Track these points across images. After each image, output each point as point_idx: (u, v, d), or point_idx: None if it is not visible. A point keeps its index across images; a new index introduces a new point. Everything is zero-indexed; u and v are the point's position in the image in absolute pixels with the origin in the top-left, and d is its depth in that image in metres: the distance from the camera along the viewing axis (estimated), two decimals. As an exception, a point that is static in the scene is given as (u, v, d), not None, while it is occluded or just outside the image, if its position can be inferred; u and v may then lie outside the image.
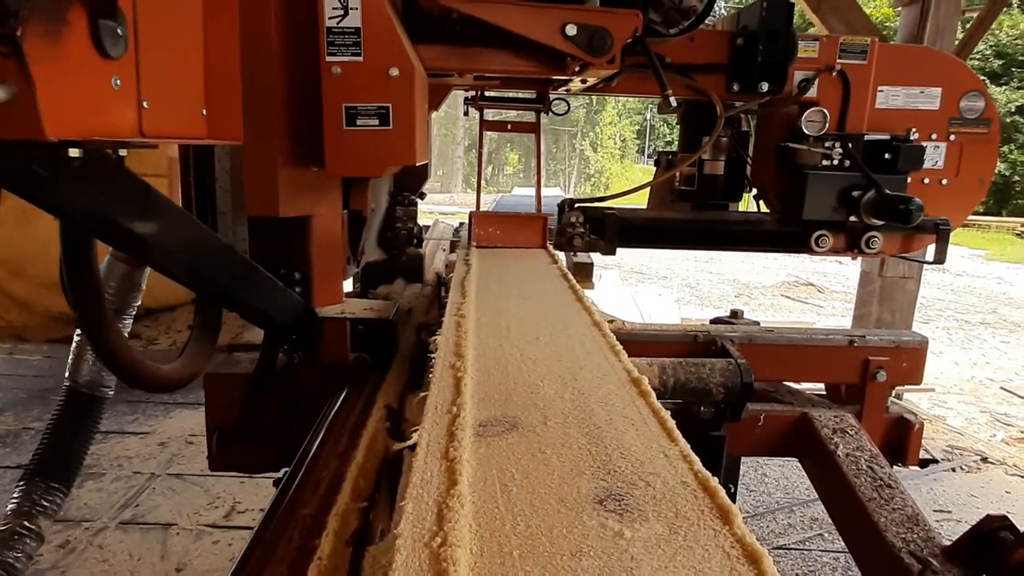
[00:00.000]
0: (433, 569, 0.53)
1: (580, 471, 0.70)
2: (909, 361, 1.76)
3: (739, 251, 2.34)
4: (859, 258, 2.11)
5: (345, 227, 1.62)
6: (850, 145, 1.98)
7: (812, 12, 4.13)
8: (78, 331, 1.18)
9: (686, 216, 2.28)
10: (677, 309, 8.83)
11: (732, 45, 1.94)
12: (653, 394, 0.89)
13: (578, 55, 1.50)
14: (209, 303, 1.27)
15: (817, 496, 1.68)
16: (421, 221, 2.45)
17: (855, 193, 1.98)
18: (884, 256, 2.18)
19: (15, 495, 1.13)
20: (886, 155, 1.98)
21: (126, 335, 1.17)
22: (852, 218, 2.01)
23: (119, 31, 0.68)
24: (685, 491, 0.66)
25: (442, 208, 20.24)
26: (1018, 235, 19.94)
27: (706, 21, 1.83)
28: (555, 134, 44.08)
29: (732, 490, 1.90)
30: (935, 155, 2.05)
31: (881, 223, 2.00)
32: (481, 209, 2.60)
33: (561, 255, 2.18)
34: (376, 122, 1.29)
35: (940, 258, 2.07)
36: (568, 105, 2.58)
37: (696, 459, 0.72)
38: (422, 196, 2.53)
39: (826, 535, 3.07)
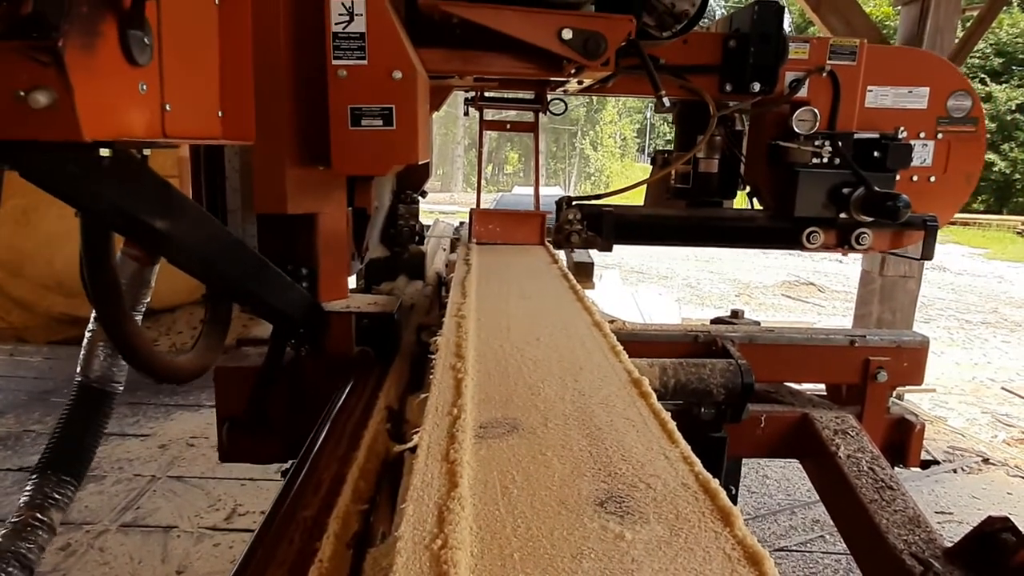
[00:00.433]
0: (434, 571, 0.53)
1: (581, 473, 0.70)
2: (910, 361, 1.76)
3: (732, 247, 2.42)
4: (850, 254, 2.15)
5: (350, 224, 1.67)
6: (840, 143, 2.03)
7: (812, 11, 4.13)
8: (89, 327, 1.22)
9: (681, 213, 2.34)
10: (678, 309, 8.83)
11: (725, 47, 2.00)
12: (654, 395, 0.89)
13: (574, 58, 1.56)
14: (219, 298, 1.31)
15: (818, 498, 1.68)
16: (422, 220, 2.49)
17: (845, 190, 2.04)
18: (874, 252, 2.25)
19: (28, 488, 1.15)
20: (875, 153, 2.04)
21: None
22: (842, 215, 2.08)
23: (145, 40, 0.73)
24: (686, 493, 0.66)
25: (442, 207, 20.26)
26: (1019, 234, 19.93)
27: (700, 23, 1.89)
28: (555, 133, 44.10)
29: (733, 492, 1.90)
30: (923, 153, 2.11)
31: (870, 219, 2.06)
32: (481, 208, 2.62)
33: (562, 254, 2.20)
34: (380, 122, 1.35)
35: (928, 254, 2.13)
36: (565, 105, 2.63)
37: (697, 461, 0.71)
38: (424, 194, 2.57)
39: (827, 537, 3.06)
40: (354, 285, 2.13)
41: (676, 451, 0.74)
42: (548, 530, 0.59)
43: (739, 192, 2.43)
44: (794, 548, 3.00)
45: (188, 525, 2.93)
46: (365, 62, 1.33)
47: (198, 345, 1.27)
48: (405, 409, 1.28)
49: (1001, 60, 24.77)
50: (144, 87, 0.76)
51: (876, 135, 2.06)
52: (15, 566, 1.07)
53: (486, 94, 2.61)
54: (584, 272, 2.55)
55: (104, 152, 0.75)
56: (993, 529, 1.12)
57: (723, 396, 1.52)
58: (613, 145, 42.48)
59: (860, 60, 2.03)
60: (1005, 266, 14.49)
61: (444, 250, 2.84)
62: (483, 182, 3.08)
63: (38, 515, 1.12)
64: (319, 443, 1.09)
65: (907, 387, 4.53)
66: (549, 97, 2.47)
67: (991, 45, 24.42)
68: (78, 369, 1.22)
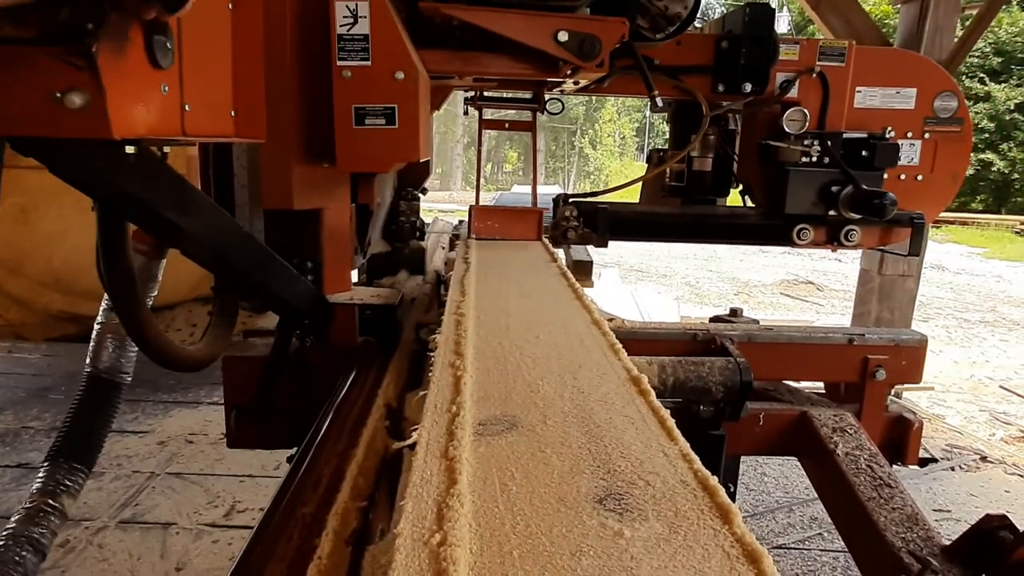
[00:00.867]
0: (433, 568, 0.53)
1: (580, 470, 0.70)
2: (908, 360, 1.76)
3: (725, 244, 2.52)
4: (849, 253, 2.20)
5: (353, 220, 1.72)
6: (829, 143, 2.08)
7: (812, 10, 4.12)
8: (98, 320, 1.26)
9: (674, 210, 2.41)
10: (676, 307, 8.83)
11: (717, 48, 2.05)
12: (653, 393, 0.89)
13: (569, 59, 1.61)
14: (227, 291, 1.38)
15: (816, 495, 1.68)
16: (422, 217, 2.54)
17: (834, 188, 2.10)
18: (863, 248, 2.34)
19: (40, 475, 1.19)
20: (863, 152, 2.10)
21: None
22: (831, 212, 2.13)
23: (168, 45, 0.78)
24: (685, 490, 0.66)
25: (442, 206, 20.23)
26: (1017, 233, 19.94)
27: (695, 25, 1.96)
28: (554, 132, 44.07)
29: (732, 489, 1.90)
30: (911, 152, 2.16)
31: (859, 217, 2.11)
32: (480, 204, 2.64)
33: (561, 253, 2.21)
34: (383, 121, 1.40)
35: (915, 250, 2.19)
36: (563, 105, 2.68)
37: (696, 458, 0.71)
38: (424, 191, 2.62)
39: (826, 534, 3.07)
40: (356, 280, 2.15)
41: (675, 449, 0.74)
42: (547, 527, 0.59)
43: (732, 190, 2.48)
44: (792, 546, 3.01)
45: (187, 522, 2.93)
46: (369, 63, 1.38)
47: (207, 335, 1.34)
48: (404, 406, 1.28)
49: (1000, 59, 24.76)
50: (166, 89, 0.81)
51: (864, 135, 2.12)
52: (28, 550, 1.12)
53: (485, 94, 2.65)
54: (583, 270, 2.56)
55: (129, 149, 0.81)
56: (991, 527, 1.13)
57: (722, 394, 1.52)
58: (612, 144, 42.48)
59: (849, 61, 2.09)
60: (1003, 265, 14.51)
61: (443, 248, 2.84)
62: (482, 180, 3.10)
63: (50, 501, 1.17)
64: (323, 432, 1.11)
65: (905, 385, 4.54)
66: (547, 97, 2.51)
67: (990, 44, 24.40)
68: (87, 360, 1.26)
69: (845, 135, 2.11)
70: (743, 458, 2.35)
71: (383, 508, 0.96)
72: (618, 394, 0.90)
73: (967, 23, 4.25)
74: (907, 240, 2.19)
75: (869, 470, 1.46)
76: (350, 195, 1.68)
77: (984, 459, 4.02)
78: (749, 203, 2.41)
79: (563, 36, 1.59)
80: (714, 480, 0.66)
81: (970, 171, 24.56)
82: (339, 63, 1.38)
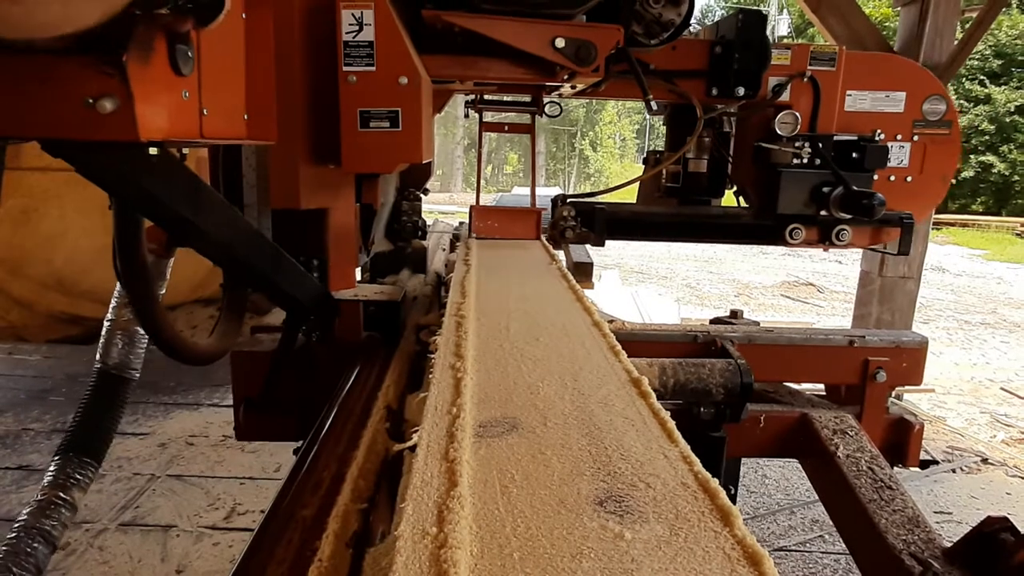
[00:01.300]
0: (433, 570, 0.53)
1: (580, 472, 0.70)
2: (909, 361, 1.76)
3: (719, 243, 2.53)
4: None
5: (357, 219, 1.78)
6: (820, 145, 2.14)
7: (811, 12, 4.13)
8: (108, 317, 1.30)
9: (670, 210, 2.48)
10: (677, 309, 8.83)
11: (711, 53, 2.11)
12: (653, 395, 0.89)
13: (566, 65, 1.68)
14: (236, 288, 1.44)
15: (817, 497, 1.68)
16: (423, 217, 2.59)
17: (825, 189, 2.15)
18: (854, 248, 2.36)
19: (51, 468, 1.22)
20: (854, 154, 2.14)
21: None
22: (823, 212, 2.17)
23: (189, 54, 0.84)
24: (685, 492, 0.66)
25: (442, 208, 20.24)
26: (1018, 235, 19.93)
27: (690, 30, 2.02)
28: (555, 134, 44.10)
29: (732, 491, 1.90)
30: (900, 154, 2.22)
31: (849, 217, 2.17)
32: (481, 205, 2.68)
33: (561, 254, 2.22)
34: (387, 124, 1.46)
35: (904, 250, 2.25)
36: (561, 108, 2.73)
37: (696, 460, 0.71)
38: (426, 192, 2.68)
39: (827, 537, 3.07)
40: (360, 278, 2.19)
41: (675, 450, 0.74)
42: (547, 529, 0.59)
43: (727, 191, 2.53)
44: (793, 548, 3.00)
45: (187, 524, 2.93)
46: (373, 69, 1.44)
47: (216, 331, 1.40)
48: (404, 408, 1.28)
49: (1000, 62, 24.77)
50: (186, 94, 0.87)
51: (855, 137, 2.17)
52: (40, 542, 1.16)
53: (485, 97, 2.72)
54: (583, 272, 2.56)
55: (152, 151, 0.86)
56: (992, 529, 1.12)
57: (722, 396, 1.52)
58: (612, 146, 42.51)
59: (839, 66, 2.15)
60: (1004, 267, 14.50)
61: (443, 250, 2.84)
62: (483, 182, 3.12)
63: (60, 494, 1.20)
64: (323, 433, 1.12)
65: (906, 387, 4.53)
66: (545, 100, 2.56)
67: (990, 47, 24.42)
68: (97, 356, 1.29)
69: (836, 137, 2.17)
70: (744, 460, 2.35)
71: (383, 510, 0.96)
72: (619, 396, 0.90)
73: (967, 26, 4.25)
74: (896, 240, 2.25)
75: (870, 472, 1.46)
76: (355, 195, 1.74)
77: (985, 461, 4.02)
78: (743, 203, 2.46)
79: (560, 42, 1.65)
80: (715, 482, 0.66)
81: (970, 173, 24.70)
82: (345, 68, 1.44)
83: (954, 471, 3.87)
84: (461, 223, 3.17)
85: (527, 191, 2.85)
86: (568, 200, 2.37)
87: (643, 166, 2.76)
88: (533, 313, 1.32)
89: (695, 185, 2.46)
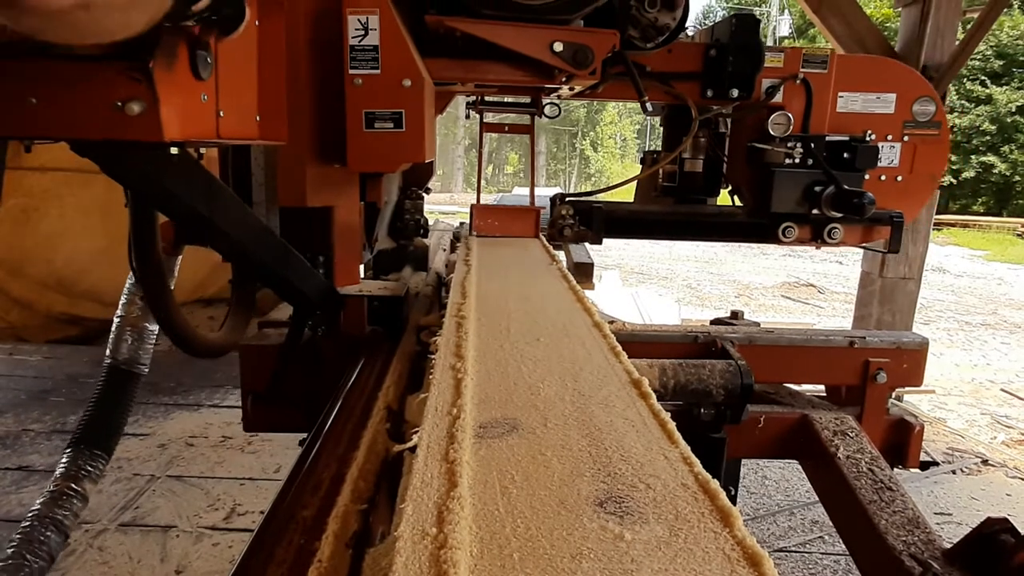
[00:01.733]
0: (433, 571, 0.53)
1: (580, 473, 0.69)
2: (909, 362, 1.76)
3: (713, 241, 2.58)
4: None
5: (362, 217, 1.83)
6: (812, 145, 2.20)
7: (812, 13, 4.12)
8: (117, 313, 1.35)
9: (666, 209, 2.55)
10: (678, 310, 8.83)
11: (706, 56, 2.17)
12: (654, 396, 0.89)
13: (564, 68, 1.74)
14: (244, 284, 1.51)
15: (817, 498, 1.68)
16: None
17: (817, 188, 2.21)
18: (845, 245, 2.39)
19: (63, 460, 1.26)
20: (845, 154, 2.19)
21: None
22: (815, 211, 2.22)
23: (208, 59, 0.89)
24: (685, 493, 0.65)
25: (443, 208, 20.23)
26: (1019, 236, 19.93)
27: (688, 33, 2.12)
28: (556, 134, 44.11)
29: (733, 492, 1.90)
30: (891, 154, 2.27)
31: (840, 215, 2.21)
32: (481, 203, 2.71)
33: (561, 255, 2.22)
34: (391, 125, 1.52)
35: (895, 248, 2.31)
36: (559, 109, 2.77)
37: (696, 461, 0.71)
38: (428, 191, 2.73)
39: (827, 538, 3.06)
40: (363, 275, 2.21)
41: (676, 451, 0.74)
42: (547, 530, 0.59)
43: (722, 190, 2.58)
44: (793, 549, 3.00)
45: (187, 525, 2.93)
46: (378, 71, 1.50)
47: (226, 325, 1.47)
48: (405, 409, 1.28)
49: (1002, 62, 24.78)
50: (205, 97, 0.93)
51: (846, 138, 2.22)
52: (52, 531, 1.20)
53: (486, 98, 2.77)
54: (584, 272, 2.57)
55: (174, 151, 0.92)
56: (992, 530, 1.12)
57: (723, 397, 1.52)
58: (613, 146, 42.53)
59: (831, 68, 2.20)
60: (1005, 268, 14.50)
61: (444, 250, 2.84)
62: (483, 182, 3.14)
63: (72, 485, 1.24)
64: (324, 432, 1.13)
65: (906, 388, 4.53)
66: (544, 101, 2.61)
67: (992, 47, 24.43)
68: (107, 352, 1.34)
69: (828, 138, 2.22)
70: (744, 461, 2.35)
71: (383, 511, 0.96)
72: (619, 397, 0.90)
73: (968, 26, 4.25)
74: (887, 238, 2.31)
75: (870, 473, 1.46)
76: (359, 194, 1.78)
77: (985, 462, 4.01)
78: (738, 202, 2.51)
79: (558, 46, 1.71)
80: (715, 483, 0.66)
81: (971, 174, 24.72)
82: (351, 71, 1.49)
83: (954, 472, 3.87)
84: (462, 223, 3.18)
85: (527, 191, 2.86)
86: (566, 199, 2.43)
87: (641, 166, 2.79)
88: (534, 314, 1.32)
89: (691, 184, 2.52)
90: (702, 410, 1.55)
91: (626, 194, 2.95)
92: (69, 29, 0.62)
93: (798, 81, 2.18)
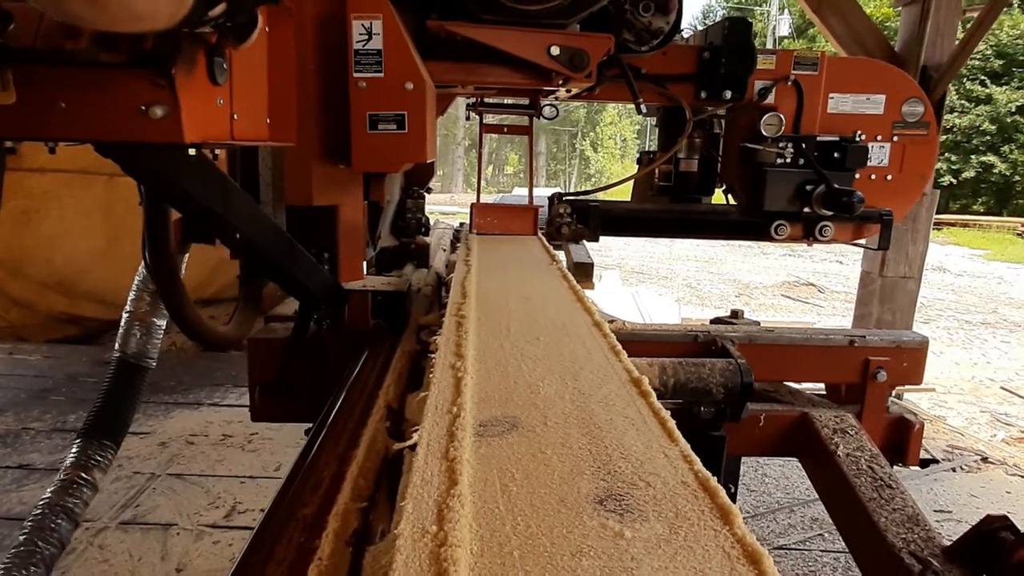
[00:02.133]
0: (433, 569, 0.53)
1: (580, 471, 0.70)
2: (909, 361, 1.76)
3: (707, 239, 2.66)
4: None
5: (365, 215, 1.87)
6: (803, 145, 2.25)
7: (812, 12, 4.12)
8: (126, 309, 1.39)
9: (661, 208, 2.61)
10: (678, 309, 8.83)
11: (700, 58, 2.22)
12: (653, 394, 0.89)
13: (561, 71, 1.80)
14: (252, 280, 1.57)
15: (817, 496, 1.68)
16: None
17: (808, 187, 2.26)
18: (836, 243, 2.47)
19: (73, 450, 1.30)
20: (835, 154, 2.24)
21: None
22: (806, 209, 2.27)
23: (224, 66, 0.95)
24: (685, 491, 0.66)
25: (442, 208, 20.22)
26: (1019, 235, 19.93)
27: (684, 36, 2.20)
28: (556, 134, 44.10)
29: (732, 490, 1.90)
30: (880, 154, 2.32)
31: (831, 213, 2.26)
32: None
33: (561, 254, 2.23)
34: (394, 127, 1.57)
35: (884, 245, 2.37)
36: (557, 110, 2.82)
37: (696, 459, 0.71)
38: (429, 190, 2.79)
39: (826, 535, 3.07)
40: (366, 272, 2.25)
41: (675, 449, 0.74)
42: (548, 528, 0.59)
43: (717, 189, 2.64)
44: (793, 546, 3.01)
45: (187, 523, 2.93)
46: (382, 75, 1.54)
47: (235, 319, 1.53)
48: (405, 407, 1.28)
49: (1001, 62, 24.77)
50: (221, 101, 0.98)
51: (836, 138, 2.27)
52: (63, 518, 1.24)
53: (485, 100, 2.83)
54: (584, 272, 2.57)
55: (192, 152, 0.96)
56: (992, 528, 1.12)
57: (723, 395, 1.52)
58: (613, 146, 42.51)
59: (822, 70, 2.25)
60: (1005, 267, 14.50)
61: (444, 250, 2.85)
62: (483, 183, 3.16)
63: (82, 474, 1.28)
64: (328, 423, 1.16)
65: (906, 387, 4.53)
66: (542, 103, 2.65)
67: (991, 47, 24.41)
68: (116, 346, 1.38)
69: (819, 138, 2.26)
70: (744, 459, 2.36)
71: (384, 509, 0.96)
72: (619, 395, 0.90)
73: (968, 25, 4.24)
74: (877, 235, 2.37)
75: (870, 471, 1.46)
76: (363, 193, 1.82)
77: (985, 460, 4.01)
78: (732, 201, 2.55)
79: (555, 50, 1.76)
80: (715, 481, 0.66)
81: (971, 173, 24.71)
82: (355, 75, 1.54)
83: (954, 470, 3.87)
84: (462, 224, 3.18)
85: (527, 192, 2.88)
86: (564, 198, 2.48)
87: (638, 166, 2.83)
88: (534, 313, 1.32)
89: (686, 184, 2.56)
90: (702, 408, 1.56)
91: (623, 193, 2.97)
92: (103, 12, 0.67)
93: (790, 83, 2.23)
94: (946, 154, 24.23)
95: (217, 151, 1.09)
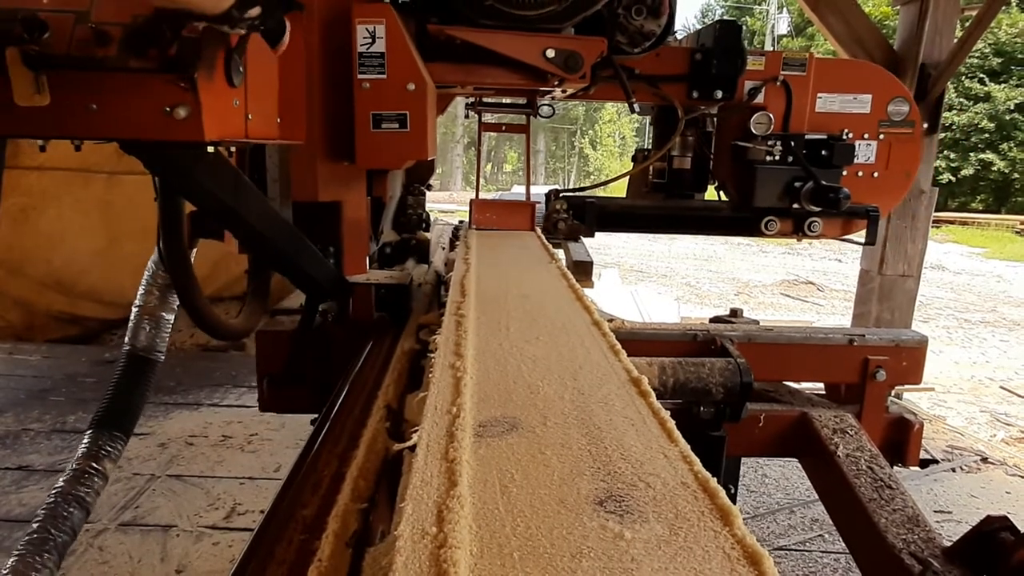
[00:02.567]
0: (433, 570, 0.53)
1: (580, 472, 0.70)
2: (909, 360, 1.76)
3: (700, 235, 2.73)
4: (802, 240, 2.47)
5: (368, 211, 1.92)
6: (792, 143, 2.31)
7: (811, 11, 4.12)
8: (136, 303, 1.43)
9: (655, 204, 2.68)
10: (677, 308, 8.84)
11: (692, 59, 2.29)
12: (653, 394, 0.89)
13: (556, 73, 1.88)
14: (260, 274, 1.63)
15: (817, 496, 1.68)
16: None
17: (797, 184, 2.32)
18: (825, 238, 2.56)
19: (84, 441, 1.34)
20: (823, 152, 2.31)
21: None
22: (795, 205, 2.34)
23: (240, 68, 1.01)
24: (685, 492, 0.66)
25: (442, 206, 20.22)
26: (1017, 233, 19.94)
27: (677, 38, 2.29)
28: (555, 132, 44.09)
29: (732, 491, 1.90)
30: (867, 152, 2.39)
31: (819, 209, 2.33)
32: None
33: (561, 253, 2.24)
34: (396, 126, 1.63)
35: (871, 240, 2.44)
36: (554, 110, 2.90)
37: (696, 460, 0.71)
38: (429, 187, 2.89)
39: (826, 536, 3.07)
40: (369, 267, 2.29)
41: (675, 450, 0.74)
42: (547, 529, 0.59)
43: (709, 186, 2.71)
44: (793, 547, 3.01)
45: (187, 524, 2.93)
46: (384, 76, 1.61)
47: (244, 312, 1.59)
48: (404, 408, 1.28)
49: (1000, 60, 24.77)
50: (237, 102, 1.04)
51: (824, 136, 2.34)
52: (75, 507, 1.27)
53: (484, 100, 2.91)
54: (583, 271, 2.57)
55: (210, 149, 1.01)
56: (992, 528, 1.12)
57: (722, 395, 1.52)
58: (612, 144, 42.49)
59: (810, 71, 2.32)
60: (1004, 265, 14.51)
61: (443, 248, 2.85)
62: (482, 181, 3.19)
63: (93, 464, 1.32)
64: (332, 416, 1.18)
65: (906, 386, 4.53)
66: (539, 103, 2.72)
67: (990, 45, 24.42)
68: (126, 339, 1.42)
69: (807, 136, 2.33)
70: (744, 459, 2.36)
71: (383, 510, 0.96)
72: (618, 395, 0.90)
73: (967, 24, 4.24)
74: (864, 231, 2.43)
75: (870, 471, 1.46)
76: (366, 189, 1.88)
77: (985, 460, 4.02)
78: (724, 198, 2.64)
79: (550, 53, 1.84)
80: (714, 481, 0.66)
81: (970, 171, 24.71)
82: (359, 76, 1.60)
83: (954, 470, 3.87)
84: (461, 222, 3.19)
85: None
86: (561, 195, 2.55)
87: (633, 163, 2.87)
88: (533, 312, 1.32)
89: (679, 181, 2.64)
90: (701, 408, 1.55)
91: (619, 190, 3.00)
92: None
93: (779, 83, 2.30)
94: (945, 152, 24.22)
95: (231, 148, 1.15)
